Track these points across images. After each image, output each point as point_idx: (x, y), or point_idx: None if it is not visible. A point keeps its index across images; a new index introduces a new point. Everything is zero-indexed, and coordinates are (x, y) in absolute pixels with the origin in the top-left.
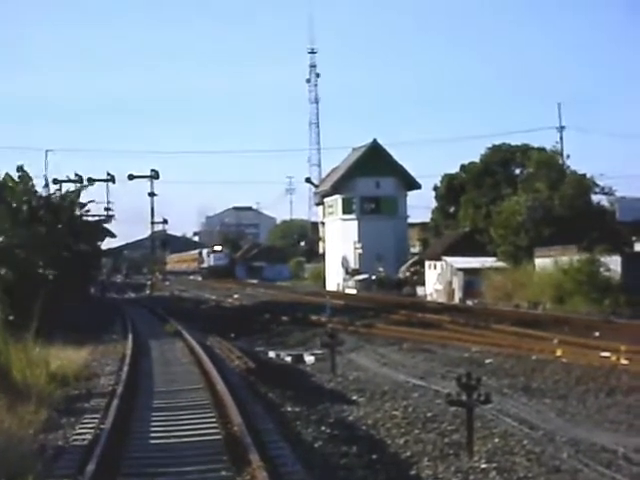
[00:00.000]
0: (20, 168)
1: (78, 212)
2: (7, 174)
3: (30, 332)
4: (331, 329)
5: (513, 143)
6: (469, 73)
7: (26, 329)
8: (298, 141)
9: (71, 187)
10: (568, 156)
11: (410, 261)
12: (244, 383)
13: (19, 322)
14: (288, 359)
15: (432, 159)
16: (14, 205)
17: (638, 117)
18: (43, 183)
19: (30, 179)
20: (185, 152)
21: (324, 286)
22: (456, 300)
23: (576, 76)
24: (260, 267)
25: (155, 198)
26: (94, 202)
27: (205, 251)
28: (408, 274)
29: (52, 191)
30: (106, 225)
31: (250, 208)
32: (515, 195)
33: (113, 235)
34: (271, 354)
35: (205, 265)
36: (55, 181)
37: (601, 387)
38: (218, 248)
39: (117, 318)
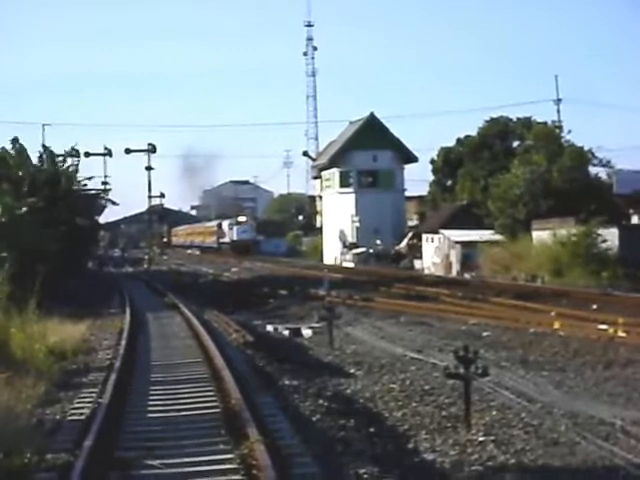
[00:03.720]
0: (15, 140)
1: (75, 186)
2: (3, 148)
3: (30, 306)
4: (329, 302)
5: (510, 116)
6: (467, 45)
7: (25, 303)
8: (295, 114)
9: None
10: (570, 131)
11: (409, 234)
12: (242, 357)
13: (18, 296)
14: (286, 333)
15: (429, 132)
16: (13, 178)
17: (636, 89)
18: (39, 157)
19: (25, 151)
20: (182, 126)
21: (321, 260)
22: (454, 273)
23: (574, 48)
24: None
25: (152, 172)
26: (92, 178)
27: (226, 222)
28: (405, 247)
29: (49, 165)
30: (104, 198)
31: (247, 182)
32: (513, 167)
33: (115, 203)
34: (269, 328)
35: (226, 239)
36: (51, 155)
37: (599, 360)
38: (242, 219)
39: (115, 292)
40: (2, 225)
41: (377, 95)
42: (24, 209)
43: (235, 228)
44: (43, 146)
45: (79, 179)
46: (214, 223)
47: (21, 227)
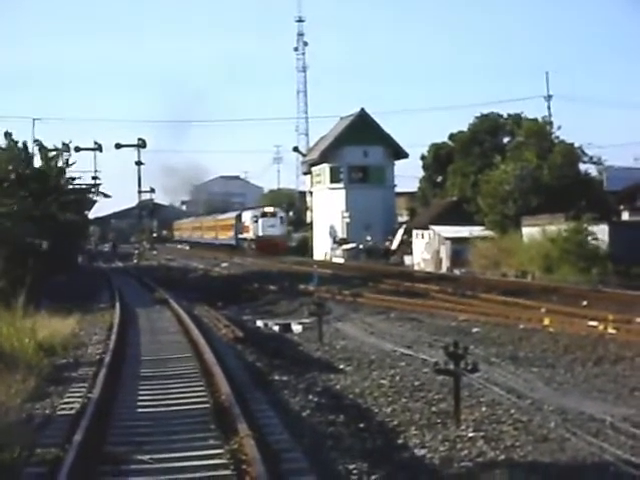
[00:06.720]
0: (7, 134)
1: (64, 181)
2: None
3: (19, 301)
4: (318, 298)
5: (501, 112)
6: (458, 41)
7: (14, 298)
8: (286, 110)
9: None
10: (559, 127)
11: (402, 230)
12: (232, 352)
13: (7, 291)
14: (276, 328)
15: (420, 128)
16: (1, 174)
17: (625, 86)
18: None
19: (16, 146)
20: (173, 121)
21: (311, 255)
22: (444, 269)
23: (564, 45)
24: None
25: (142, 167)
26: (81, 176)
27: (249, 214)
28: (399, 242)
29: (39, 159)
30: (93, 193)
31: (237, 177)
32: (503, 164)
33: (107, 195)
34: (259, 323)
35: (250, 235)
36: (42, 149)
37: (589, 356)
38: (270, 210)
39: (104, 287)
40: None
41: (368, 91)
42: (12, 204)
43: (261, 221)
44: (35, 141)
45: (69, 174)
46: (232, 215)
47: (10, 222)
